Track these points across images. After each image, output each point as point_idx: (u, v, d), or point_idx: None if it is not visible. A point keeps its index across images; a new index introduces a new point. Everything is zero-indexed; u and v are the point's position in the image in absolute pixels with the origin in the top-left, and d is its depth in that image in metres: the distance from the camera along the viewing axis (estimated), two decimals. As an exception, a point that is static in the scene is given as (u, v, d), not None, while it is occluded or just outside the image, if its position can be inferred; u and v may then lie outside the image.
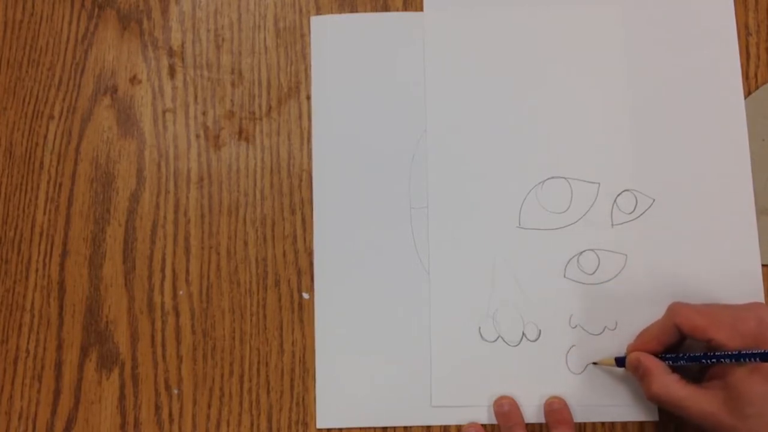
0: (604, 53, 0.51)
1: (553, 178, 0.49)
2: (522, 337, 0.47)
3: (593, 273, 0.48)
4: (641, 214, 0.48)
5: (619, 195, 0.49)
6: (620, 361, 0.45)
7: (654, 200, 0.48)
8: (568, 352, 0.47)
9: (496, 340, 0.47)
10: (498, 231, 0.49)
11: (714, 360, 0.40)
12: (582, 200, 0.49)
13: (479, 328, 0.48)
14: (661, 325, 0.43)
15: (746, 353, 0.39)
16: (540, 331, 0.47)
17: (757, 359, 0.38)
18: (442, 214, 0.49)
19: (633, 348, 0.45)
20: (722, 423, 0.39)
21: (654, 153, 0.49)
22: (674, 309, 0.43)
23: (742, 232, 0.48)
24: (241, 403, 0.48)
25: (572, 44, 0.51)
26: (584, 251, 0.48)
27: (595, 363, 0.47)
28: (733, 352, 0.40)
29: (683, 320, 0.42)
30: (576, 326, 0.47)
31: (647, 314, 0.46)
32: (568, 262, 0.48)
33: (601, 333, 0.47)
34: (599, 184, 0.49)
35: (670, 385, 0.41)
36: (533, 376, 0.47)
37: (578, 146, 0.49)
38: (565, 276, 0.48)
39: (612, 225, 0.48)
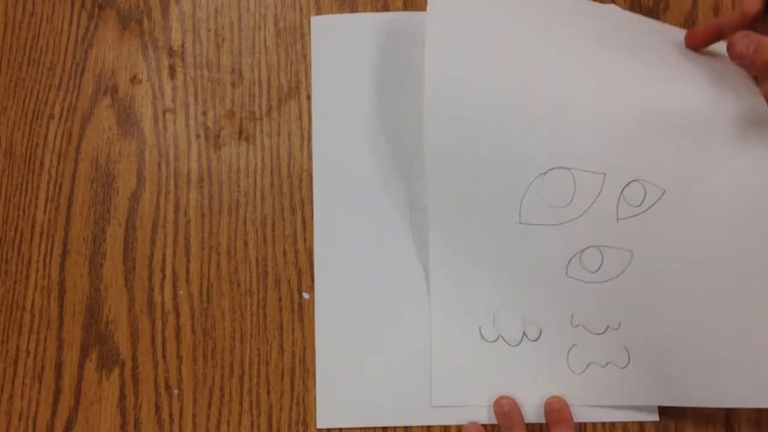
0: (609, 37, 0.48)
1: (555, 168, 0.45)
2: (523, 337, 0.47)
3: (596, 271, 0.46)
4: (650, 207, 0.45)
5: (626, 186, 0.45)
6: None
7: (664, 191, 0.45)
8: (569, 351, 0.47)
9: (496, 340, 0.47)
10: (498, 228, 0.47)
11: None
12: (586, 192, 0.45)
13: (479, 327, 0.47)
14: None
15: None
16: (541, 330, 0.47)
17: None
18: (442, 212, 0.48)
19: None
20: None
21: (665, 140, 0.45)
22: None
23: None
24: (241, 403, 0.48)
25: (575, 32, 0.48)
26: (587, 248, 0.46)
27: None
28: None
29: None
30: (578, 326, 0.47)
31: (652, 314, 0.45)
32: (570, 260, 0.46)
33: (603, 332, 0.46)
34: (605, 174, 0.45)
35: None
36: (534, 376, 0.47)
37: (582, 133, 0.45)
38: (567, 274, 0.46)
39: (617, 219, 0.45)
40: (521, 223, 0.46)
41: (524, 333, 0.47)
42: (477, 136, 0.47)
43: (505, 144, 0.47)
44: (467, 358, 0.47)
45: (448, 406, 0.47)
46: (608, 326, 0.46)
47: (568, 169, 0.45)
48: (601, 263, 0.46)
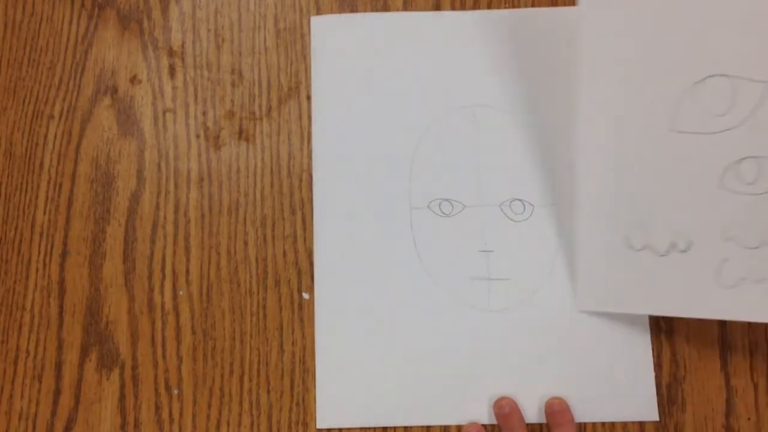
0: None
1: (713, 76, 0.43)
2: (671, 248, 0.45)
3: (753, 182, 0.43)
4: None
5: None
6: None
7: None
8: (720, 265, 0.44)
9: (642, 249, 0.45)
10: (649, 134, 0.44)
11: None
12: (746, 101, 0.42)
13: (626, 236, 0.46)
14: None
15: None
16: (690, 242, 0.44)
17: None
18: (594, 119, 0.45)
19: None
20: None
21: None
22: None
23: None
24: (241, 403, 0.48)
25: None
26: (745, 159, 0.43)
27: None
28: None
29: None
30: (730, 239, 0.44)
31: None
32: (726, 170, 0.43)
33: (757, 247, 0.43)
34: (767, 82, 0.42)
35: None
36: (680, 289, 0.44)
37: (744, 38, 0.42)
38: (721, 184, 0.43)
39: None
40: (674, 130, 0.44)
41: (672, 243, 0.44)
42: (632, 36, 0.44)
43: (660, 47, 0.44)
44: (612, 265, 0.46)
45: (592, 311, 0.47)
46: (763, 241, 0.43)
47: (727, 76, 0.43)
48: (759, 174, 0.43)
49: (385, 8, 0.53)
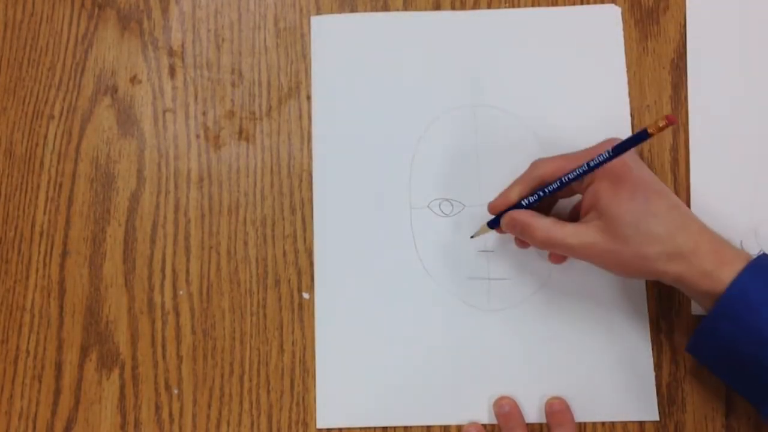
0: None
1: None
2: None
3: None
4: None
5: None
6: (493, 223, 0.46)
7: None
8: None
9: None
10: (761, 140, 0.47)
11: (569, 179, 0.41)
12: None
13: (740, 241, 0.47)
14: (523, 179, 0.44)
15: (596, 158, 0.39)
16: None
17: (607, 155, 0.39)
18: (705, 130, 0.47)
19: (496, 204, 0.45)
20: (606, 251, 0.40)
21: None
22: (534, 163, 0.44)
23: None
24: (241, 403, 0.48)
25: None
26: None
27: (472, 236, 0.48)
28: (584, 165, 0.40)
29: (544, 167, 0.43)
30: None
31: None
32: None
33: None
34: None
35: (550, 228, 0.42)
36: None
37: None
38: None
39: None
40: None
41: None
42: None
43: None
44: None
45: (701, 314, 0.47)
46: None
47: None
48: None
49: (385, 8, 0.53)
